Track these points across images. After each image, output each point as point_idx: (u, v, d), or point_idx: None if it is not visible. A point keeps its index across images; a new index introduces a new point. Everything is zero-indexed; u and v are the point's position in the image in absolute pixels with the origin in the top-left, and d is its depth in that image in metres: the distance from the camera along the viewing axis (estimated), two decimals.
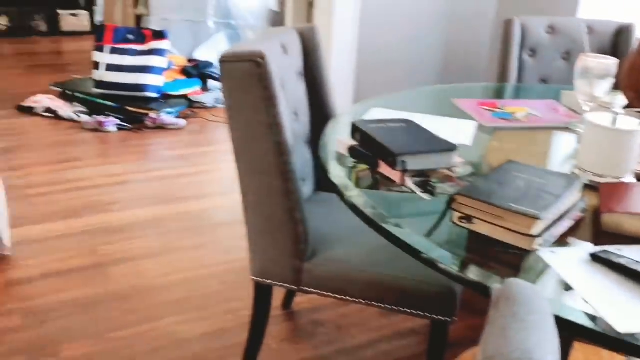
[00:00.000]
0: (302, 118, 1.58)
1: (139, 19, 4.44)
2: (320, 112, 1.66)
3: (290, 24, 3.08)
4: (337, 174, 1.12)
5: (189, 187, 2.76)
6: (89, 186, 2.74)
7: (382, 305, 1.31)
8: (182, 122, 3.58)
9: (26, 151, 3.10)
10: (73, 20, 6.34)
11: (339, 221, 1.52)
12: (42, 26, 6.26)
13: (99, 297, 1.89)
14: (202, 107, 3.95)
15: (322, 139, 1.30)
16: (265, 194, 1.32)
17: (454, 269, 0.83)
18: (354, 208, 0.99)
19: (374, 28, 2.58)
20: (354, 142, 1.14)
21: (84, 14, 6.39)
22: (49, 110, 3.65)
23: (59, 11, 6.27)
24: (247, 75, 1.24)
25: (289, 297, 1.89)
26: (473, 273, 0.83)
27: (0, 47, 5.71)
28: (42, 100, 3.73)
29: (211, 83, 4.12)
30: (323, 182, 1.70)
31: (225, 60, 1.25)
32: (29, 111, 3.69)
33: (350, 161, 1.17)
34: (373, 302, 1.32)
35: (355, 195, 1.03)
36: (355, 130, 1.13)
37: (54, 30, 6.29)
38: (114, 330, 1.73)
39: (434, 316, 1.27)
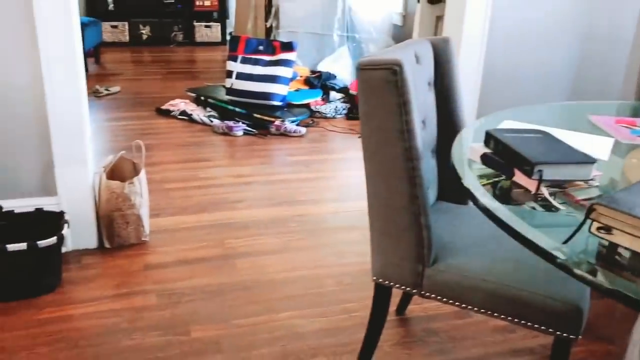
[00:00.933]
0: (430, 127, 1.62)
1: (268, 31, 4.69)
2: (447, 122, 1.68)
3: (416, 36, 3.12)
4: (471, 180, 1.14)
5: (308, 192, 2.87)
6: (217, 184, 2.94)
7: (505, 317, 1.30)
8: (303, 130, 3.73)
9: (163, 149, 3.38)
10: (207, 31, 6.80)
11: (462, 230, 1.53)
12: (179, 36, 6.78)
13: (225, 286, 2.03)
14: (322, 116, 4.09)
15: (454, 145, 1.33)
16: (392, 197, 1.37)
17: (600, 280, 0.83)
18: (488, 213, 1.01)
19: (503, 43, 2.55)
20: (487, 150, 1.16)
21: (216, 26, 6.84)
22: (184, 113, 3.96)
23: (195, 23, 6.76)
24: (383, 82, 1.29)
25: (403, 303, 1.92)
26: (612, 282, 0.83)
27: (142, 55, 6.26)
28: (179, 104, 4.05)
29: (332, 94, 4.25)
30: (445, 191, 1.72)
31: (363, 67, 1.31)
32: (167, 113, 4.01)
33: (481, 168, 1.19)
34: (495, 313, 1.32)
35: (489, 201, 1.05)
36: (490, 138, 1.15)
37: (189, 40, 6.79)
38: (238, 318, 1.85)
39: (559, 332, 1.25)
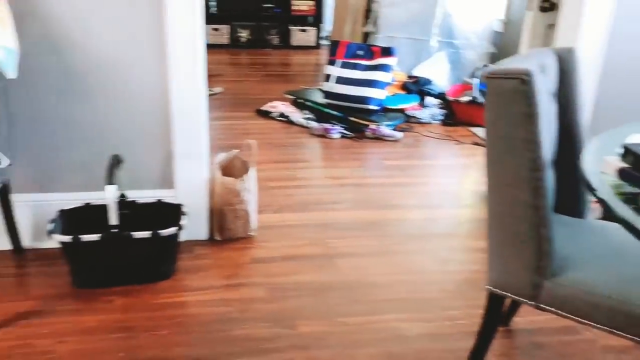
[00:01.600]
0: (550, 138, 1.59)
1: (366, 36, 4.73)
2: (568, 134, 1.65)
3: (525, 45, 3.06)
4: (606, 192, 1.12)
5: (404, 196, 2.88)
6: (316, 185, 3.01)
7: (629, 337, 1.27)
8: (399, 134, 3.74)
9: (264, 149, 3.49)
10: (302, 35, 6.94)
11: (580, 244, 1.50)
12: (275, 40, 6.96)
13: (328, 284, 2.08)
14: (418, 122, 4.08)
15: (583, 157, 1.31)
16: (513, 207, 1.36)
17: None
18: (626, 225, 1.00)
19: (624, 54, 2.45)
20: (625, 165, 1.14)
21: (311, 30, 6.97)
22: (282, 115, 4.07)
23: (291, 27, 6.92)
24: (512, 92, 1.29)
25: (509, 314, 1.89)
26: None
27: (240, 57, 6.48)
28: (278, 106, 4.17)
29: (428, 100, 4.23)
30: (562, 203, 1.69)
31: (493, 76, 1.32)
32: (266, 115, 4.15)
33: (613, 182, 1.16)
34: (617, 331, 1.29)
35: (625, 211, 1.03)
36: (629, 153, 1.13)
37: (285, 43, 6.96)
38: (342, 316, 1.90)
39: None
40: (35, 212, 2.20)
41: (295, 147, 3.58)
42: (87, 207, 2.10)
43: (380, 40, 4.52)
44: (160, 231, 1.95)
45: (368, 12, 4.70)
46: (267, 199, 2.73)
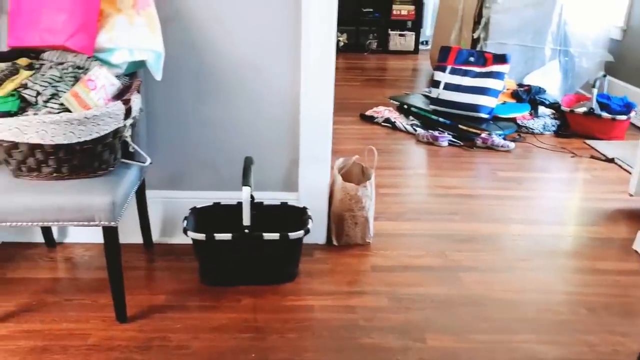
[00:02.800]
0: None
1: (475, 42, 4.61)
2: None
3: None
4: None
5: (522, 210, 2.77)
6: (427, 193, 2.96)
7: None
8: (511, 144, 3.61)
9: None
10: (400, 40, 6.88)
11: None
12: (373, 44, 6.94)
13: (453, 297, 2.02)
14: (529, 132, 3.92)
15: None
16: None
17: None
18: None
19: None
20: None
21: (410, 35, 6.89)
22: (387, 120, 4.04)
23: (390, 31, 6.87)
24: None
25: None
26: None
27: (339, 61, 6.50)
28: (382, 111, 4.14)
29: (541, 109, 4.06)
30: None
31: None
32: (370, 119, 4.13)
33: None
34: None
35: None
36: None
37: (383, 48, 6.93)
38: (472, 333, 1.84)
39: None
40: (165, 208, 2.28)
41: (402, 154, 3.54)
42: (217, 206, 2.16)
43: (489, 47, 4.40)
44: (289, 233, 1.97)
45: (478, 18, 4.57)
46: (380, 206, 2.70)
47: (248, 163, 2.00)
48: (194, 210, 2.12)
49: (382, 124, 4.04)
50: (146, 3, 1.87)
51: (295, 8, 2.05)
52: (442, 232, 2.51)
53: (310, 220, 2.09)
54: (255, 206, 2.11)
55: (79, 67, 1.74)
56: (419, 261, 2.26)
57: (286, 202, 2.20)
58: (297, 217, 2.13)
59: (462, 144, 3.66)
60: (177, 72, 2.11)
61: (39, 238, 2.26)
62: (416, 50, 6.88)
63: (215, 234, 1.94)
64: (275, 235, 1.96)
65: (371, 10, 6.89)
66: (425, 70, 6.04)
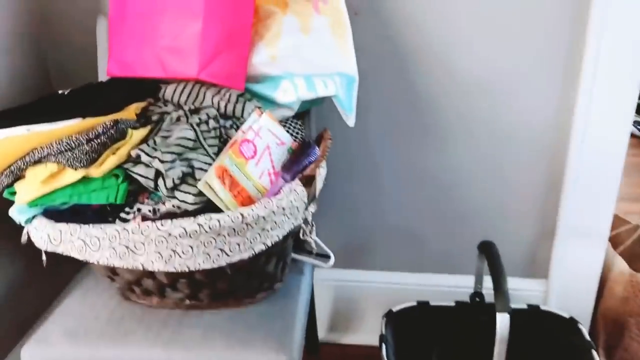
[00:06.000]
0: None
1: None
2: None
3: None
4: None
5: None
6: None
7: None
8: None
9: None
10: None
11: None
12: None
13: None
14: None
15: None
16: None
17: None
18: None
19: None
20: None
21: None
22: None
23: None
24: None
25: None
26: None
27: None
28: None
29: None
30: None
31: None
32: None
33: None
34: None
35: None
36: None
37: None
38: None
39: None
40: (336, 295, 1.53)
41: None
42: (424, 308, 1.36)
43: None
44: None
45: None
46: None
47: (491, 254, 1.16)
48: (390, 316, 1.34)
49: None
50: None
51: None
52: None
53: (582, 336, 1.25)
54: (486, 309, 1.31)
55: (222, 116, 0.98)
56: None
57: (537, 307, 1.36)
58: (555, 333, 1.29)
59: None
60: (364, 99, 1.32)
61: None
62: None
63: None
64: None
65: None
66: None
